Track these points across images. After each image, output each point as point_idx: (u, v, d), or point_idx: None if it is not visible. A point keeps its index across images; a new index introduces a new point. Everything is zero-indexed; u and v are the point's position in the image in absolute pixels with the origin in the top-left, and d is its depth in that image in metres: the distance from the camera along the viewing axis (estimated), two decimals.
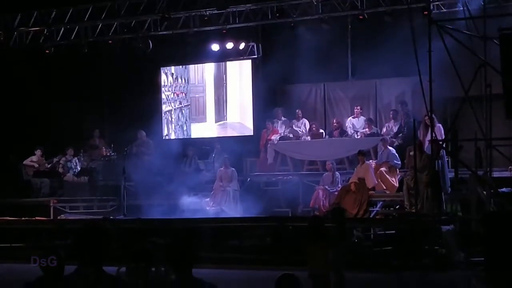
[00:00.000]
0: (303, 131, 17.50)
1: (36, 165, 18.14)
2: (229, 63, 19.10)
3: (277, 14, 17.08)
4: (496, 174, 13.33)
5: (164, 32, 18.13)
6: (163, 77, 19.70)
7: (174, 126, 19.64)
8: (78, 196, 17.67)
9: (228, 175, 16.66)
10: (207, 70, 19.37)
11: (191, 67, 19.50)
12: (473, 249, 11.78)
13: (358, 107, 17.22)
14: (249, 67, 18.81)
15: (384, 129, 16.61)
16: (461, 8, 14.14)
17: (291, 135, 17.50)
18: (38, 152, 18.21)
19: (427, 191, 13.41)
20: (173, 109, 19.62)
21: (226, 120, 19.12)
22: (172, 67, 19.66)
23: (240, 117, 18.91)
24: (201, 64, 19.35)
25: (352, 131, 16.93)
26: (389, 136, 16.13)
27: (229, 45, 18.42)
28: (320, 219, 8.53)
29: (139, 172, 17.95)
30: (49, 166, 18.23)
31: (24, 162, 18.14)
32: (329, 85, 18.37)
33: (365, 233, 13.79)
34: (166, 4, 17.61)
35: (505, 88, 12.14)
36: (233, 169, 16.75)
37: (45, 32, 18.71)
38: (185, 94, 19.58)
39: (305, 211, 15.66)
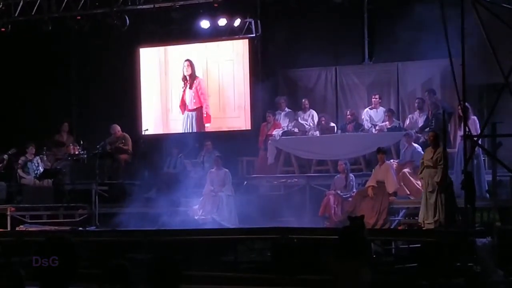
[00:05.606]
0: (311, 124, 17.52)
1: None
2: (221, 43, 19.07)
3: None
4: None
5: (144, 6, 18.10)
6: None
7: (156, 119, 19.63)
8: (41, 203, 17.64)
9: (220, 177, 16.68)
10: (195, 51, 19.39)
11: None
12: None
13: (377, 96, 17.25)
14: (245, 48, 18.79)
15: (408, 122, 16.65)
16: None
17: (296, 130, 17.51)
18: None
19: (439, 195, 13.35)
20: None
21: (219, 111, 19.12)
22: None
23: (235, 107, 18.89)
24: (188, 45, 19.33)
25: (369, 125, 16.94)
26: (414, 130, 16.14)
27: (222, 22, 18.41)
28: (361, 223, 8.03)
29: (113, 175, 17.97)
30: (0, 165, 18.15)
31: None
32: (341, 69, 18.37)
33: (385, 247, 13.81)
34: None
35: None
36: (227, 170, 16.76)
37: (0, 6, 18.69)
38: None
39: (313, 221, 15.68)
